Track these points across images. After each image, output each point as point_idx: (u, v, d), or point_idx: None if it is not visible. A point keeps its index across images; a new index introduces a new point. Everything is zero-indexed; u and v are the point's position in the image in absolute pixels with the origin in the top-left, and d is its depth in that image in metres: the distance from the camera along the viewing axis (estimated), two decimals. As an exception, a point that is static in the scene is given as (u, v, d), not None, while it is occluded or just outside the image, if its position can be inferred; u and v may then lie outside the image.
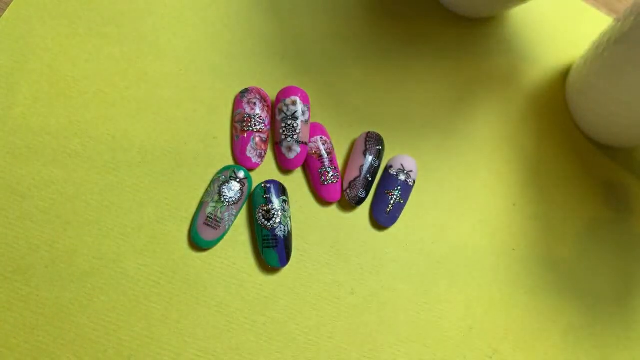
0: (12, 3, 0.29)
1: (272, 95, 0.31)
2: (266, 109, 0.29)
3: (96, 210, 0.26)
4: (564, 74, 0.39)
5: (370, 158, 0.30)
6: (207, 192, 0.27)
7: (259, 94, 0.30)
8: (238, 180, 0.27)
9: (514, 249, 0.32)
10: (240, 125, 0.29)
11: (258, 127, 0.29)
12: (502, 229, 0.32)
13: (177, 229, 0.27)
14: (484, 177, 0.33)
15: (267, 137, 0.29)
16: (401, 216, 0.31)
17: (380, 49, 0.35)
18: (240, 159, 0.29)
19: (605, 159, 0.37)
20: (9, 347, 0.23)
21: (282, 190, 0.28)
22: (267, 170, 0.29)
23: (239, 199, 0.27)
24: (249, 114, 0.29)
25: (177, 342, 0.25)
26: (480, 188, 0.33)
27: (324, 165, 0.29)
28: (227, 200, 0.27)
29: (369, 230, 0.30)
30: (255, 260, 0.28)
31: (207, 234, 0.26)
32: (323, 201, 0.30)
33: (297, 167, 0.29)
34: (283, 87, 0.30)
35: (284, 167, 0.29)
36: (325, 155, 0.29)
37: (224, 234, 0.27)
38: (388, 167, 0.31)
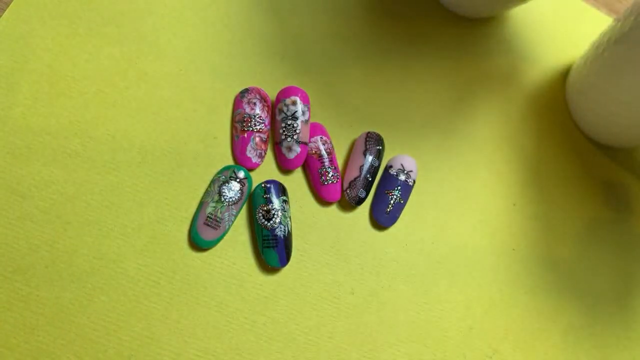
0: (12, 3, 0.29)
1: (272, 95, 0.31)
2: (266, 109, 0.29)
3: (96, 210, 0.26)
4: (564, 74, 0.39)
5: (370, 158, 0.30)
6: (207, 192, 0.27)
7: (259, 94, 0.30)
8: (238, 180, 0.27)
9: (514, 249, 0.32)
10: (240, 125, 0.29)
11: (258, 127, 0.29)
12: (502, 229, 0.32)
13: (177, 229, 0.27)
14: (484, 177, 0.33)
15: (267, 137, 0.29)
16: (401, 216, 0.31)
17: (380, 49, 0.35)
18: (240, 159, 0.29)
19: (605, 159, 0.37)
20: (9, 347, 0.23)
21: (282, 190, 0.28)
22: (267, 170, 0.29)
23: (239, 199, 0.27)
24: (249, 114, 0.29)
25: (177, 342, 0.25)
26: (480, 188, 0.33)
27: (324, 165, 0.29)
28: (227, 200, 0.27)
29: (369, 230, 0.30)
30: (255, 260, 0.28)
31: (207, 234, 0.26)
32: (323, 201, 0.30)
33: (297, 167, 0.29)
34: (283, 87, 0.30)
35: (284, 167, 0.29)
36: (325, 155, 0.29)
37: (224, 234, 0.27)
38: (388, 167, 0.31)
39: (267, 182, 0.28)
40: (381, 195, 0.30)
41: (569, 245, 0.33)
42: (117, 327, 0.25)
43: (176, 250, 0.27)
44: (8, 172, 0.26)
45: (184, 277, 0.26)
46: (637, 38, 0.29)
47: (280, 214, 0.27)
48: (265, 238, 0.27)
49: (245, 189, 0.28)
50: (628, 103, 0.32)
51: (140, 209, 0.27)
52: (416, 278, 0.30)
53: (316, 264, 0.28)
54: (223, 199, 0.27)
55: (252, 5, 0.33)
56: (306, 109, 0.29)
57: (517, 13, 0.39)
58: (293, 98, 0.29)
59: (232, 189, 0.27)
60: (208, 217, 0.27)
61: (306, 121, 0.29)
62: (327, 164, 0.29)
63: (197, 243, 0.27)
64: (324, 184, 0.29)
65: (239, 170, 0.28)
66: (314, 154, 0.29)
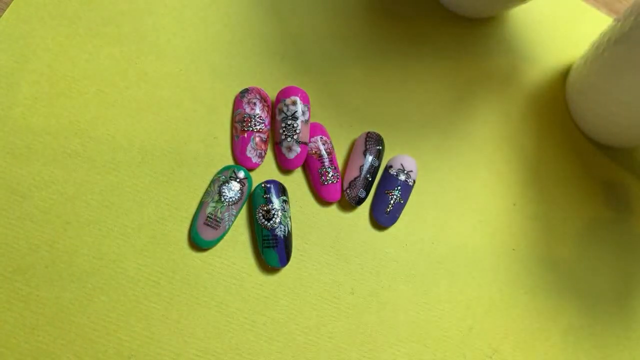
0: (12, 3, 0.29)
1: (272, 95, 0.31)
2: (266, 109, 0.29)
3: (96, 210, 0.26)
4: (564, 74, 0.39)
5: (370, 158, 0.30)
6: (207, 192, 0.27)
7: (259, 94, 0.30)
8: (238, 180, 0.27)
9: (514, 249, 0.32)
10: (240, 125, 0.29)
11: (258, 127, 0.29)
12: (502, 229, 0.32)
13: (177, 229, 0.27)
14: (484, 177, 0.33)
15: (267, 137, 0.29)
16: (401, 216, 0.31)
17: (380, 49, 0.35)
18: (240, 159, 0.29)
19: (605, 159, 0.37)
20: (9, 347, 0.23)
21: (282, 190, 0.28)
22: (267, 170, 0.29)
23: (239, 199, 0.27)
24: (249, 114, 0.29)
25: (177, 342, 0.25)
26: (480, 188, 0.33)
27: (324, 165, 0.29)
28: (227, 200, 0.27)
29: (369, 230, 0.30)
30: (255, 260, 0.28)
31: (207, 234, 0.26)
32: (323, 201, 0.30)
33: (297, 167, 0.29)
34: (283, 87, 0.30)
35: (284, 167, 0.29)
36: (325, 155, 0.29)
37: (224, 234, 0.27)
38: (388, 167, 0.31)
39: (267, 182, 0.28)
40: (381, 195, 0.30)
41: (569, 245, 0.33)
42: (117, 327, 0.25)
43: (176, 250, 0.27)
44: (8, 172, 0.26)
45: (184, 277, 0.26)
46: (637, 38, 0.29)
47: (280, 214, 0.27)
48: (265, 238, 0.27)
49: (245, 189, 0.28)
50: (628, 103, 0.32)
51: (140, 209, 0.27)
52: (416, 278, 0.30)
53: (316, 264, 0.28)
54: (223, 199, 0.27)
55: (252, 5, 0.33)
56: (306, 109, 0.29)
57: (517, 13, 0.39)
58: (293, 98, 0.29)
59: (232, 189, 0.27)
60: (208, 217, 0.27)
61: (306, 121, 0.29)
62: (327, 164, 0.29)
63: (197, 243, 0.27)
64: (324, 184, 0.29)
65: (239, 170, 0.28)
66: (314, 154, 0.29)
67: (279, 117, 0.29)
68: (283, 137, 0.29)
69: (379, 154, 0.30)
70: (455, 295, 0.30)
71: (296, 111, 0.29)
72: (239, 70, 0.31)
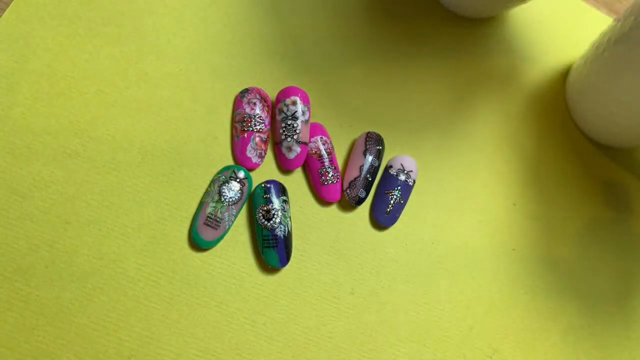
0: (12, 3, 0.29)
1: (272, 95, 0.31)
2: (266, 109, 0.29)
3: (96, 210, 0.26)
4: (564, 74, 0.39)
5: (370, 158, 0.30)
6: (207, 192, 0.27)
7: (259, 94, 0.30)
8: (238, 180, 0.27)
9: (514, 249, 0.32)
10: (240, 125, 0.29)
11: (258, 127, 0.29)
12: (502, 229, 0.32)
13: (177, 229, 0.27)
14: (484, 177, 0.33)
15: (267, 137, 0.29)
16: (401, 216, 0.31)
17: (380, 49, 0.35)
18: (240, 159, 0.29)
19: (605, 159, 0.37)
20: (9, 347, 0.23)
21: (282, 190, 0.28)
22: (267, 170, 0.29)
23: (239, 199, 0.27)
24: (249, 114, 0.29)
25: (177, 342, 0.25)
26: (480, 188, 0.33)
27: (324, 165, 0.29)
28: (227, 200, 0.27)
29: (369, 230, 0.30)
30: (255, 260, 0.28)
31: (207, 234, 0.26)
32: (323, 201, 0.30)
33: (297, 167, 0.29)
34: (283, 87, 0.30)
35: (284, 167, 0.29)
36: (325, 155, 0.29)
37: (224, 234, 0.27)
38: (388, 167, 0.31)
39: (267, 182, 0.28)
40: (381, 195, 0.30)
41: (569, 245, 0.33)
42: (117, 327, 0.25)
43: (176, 250, 0.27)
44: (8, 172, 0.26)
45: (184, 277, 0.26)
46: (637, 38, 0.29)
47: (280, 214, 0.27)
48: (265, 238, 0.27)
49: (245, 189, 0.28)
50: (628, 103, 0.32)
51: (140, 209, 0.27)
52: (416, 278, 0.30)
53: (316, 264, 0.28)
54: (223, 199, 0.27)
55: (252, 5, 0.33)
56: (306, 109, 0.29)
57: (517, 13, 0.39)
58: (293, 98, 0.29)
59: (232, 189, 0.27)
60: (208, 217, 0.27)
61: (306, 121, 0.29)
62: (327, 164, 0.29)
63: (197, 243, 0.27)
64: (324, 184, 0.29)
65: (239, 170, 0.28)
66: (314, 154, 0.29)
67: (279, 117, 0.29)
68: (283, 137, 0.29)
69: (379, 154, 0.30)
70: (455, 295, 0.30)
71: (296, 111, 0.29)
72: (239, 70, 0.31)
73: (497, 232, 0.32)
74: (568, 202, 0.34)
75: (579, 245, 0.34)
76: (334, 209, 0.30)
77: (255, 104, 0.29)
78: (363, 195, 0.29)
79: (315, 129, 0.30)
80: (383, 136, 0.32)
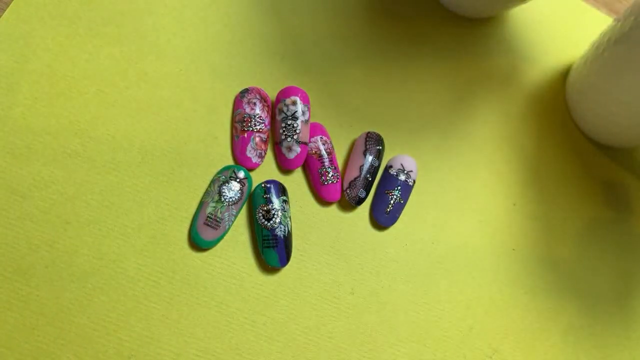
0: (12, 3, 0.29)
1: (272, 95, 0.31)
2: (266, 109, 0.29)
3: (96, 210, 0.26)
4: (564, 74, 0.39)
5: (370, 158, 0.30)
6: (207, 192, 0.27)
7: (259, 94, 0.30)
8: (238, 180, 0.27)
9: (514, 249, 0.32)
10: (240, 125, 0.29)
11: (258, 127, 0.29)
12: (502, 229, 0.32)
13: (177, 229, 0.27)
14: (484, 177, 0.33)
15: (267, 137, 0.29)
16: (401, 216, 0.31)
17: (380, 49, 0.35)
18: (240, 159, 0.29)
19: (605, 159, 0.37)
20: (9, 347, 0.23)
21: (282, 190, 0.28)
22: (267, 170, 0.29)
23: (239, 199, 0.27)
24: (249, 114, 0.29)
25: (177, 342, 0.25)
26: (480, 188, 0.33)
27: (324, 165, 0.29)
28: (227, 200, 0.27)
29: (369, 230, 0.30)
30: (255, 260, 0.28)
31: (207, 234, 0.26)
32: (323, 201, 0.30)
33: (297, 167, 0.29)
34: (283, 87, 0.30)
35: (284, 167, 0.29)
36: (325, 155, 0.29)
37: (224, 234, 0.27)
38: (388, 167, 0.31)
39: (267, 182, 0.28)
40: (381, 195, 0.30)
41: (569, 245, 0.33)
42: (117, 327, 0.25)
43: (176, 250, 0.27)
44: (8, 172, 0.26)
45: (184, 277, 0.26)
46: (637, 38, 0.29)
47: (280, 214, 0.27)
48: (265, 238, 0.27)
49: (245, 189, 0.28)
50: (628, 103, 0.32)
51: (140, 209, 0.27)
52: (416, 278, 0.30)
53: (316, 264, 0.28)
54: (223, 199, 0.27)
55: (252, 5, 0.33)
56: (306, 109, 0.29)
57: (517, 13, 0.39)
58: (293, 98, 0.29)
59: (232, 189, 0.27)
60: (208, 217, 0.27)
61: (306, 121, 0.29)
62: (327, 164, 0.29)
63: (197, 243, 0.27)
64: (324, 184, 0.29)
65: (239, 170, 0.28)
66: (314, 154, 0.29)
67: (279, 117, 0.29)
68: (283, 137, 0.29)
69: (379, 154, 0.30)
70: (455, 295, 0.30)
71: (296, 111, 0.29)
72: (239, 70, 0.31)
73: (497, 232, 0.32)
74: (568, 202, 0.34)
75: (579, 245, 0.34)
76: (334, 209, 0.30)
77: (255, 104, 0.29)
78: (363, 195, 0.29)
79: (315, 129, 0.30)
80: (383, 136, 0.32)
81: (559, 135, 0.36)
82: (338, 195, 0.29)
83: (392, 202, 0.30)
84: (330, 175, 0.29)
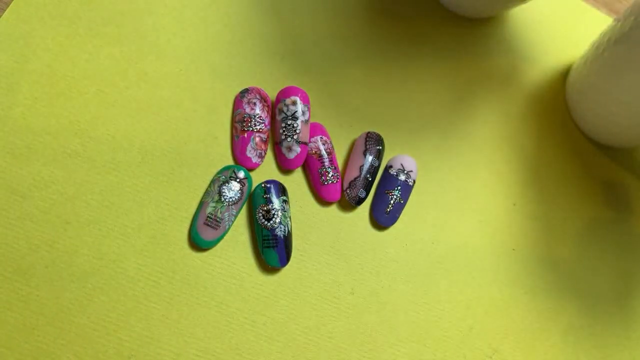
0: (12, 3, 0.29)
1: (272, 95, 0.31)
2: (266, 109, 0.29)
3: (96, 210, 0.26)
4: (564, 74, 0.39)
5: (370, 158, 0.30)
6: (207, 192, 0.27)
7: (259, 94, 0.30)
8: (238, 180, 0.27)
9: (514, 249, 0.32)
10: (240, 125, 0.29)
11: (258, 127, 0.29)
12: (502, 229, 0.32)
13: (177, 229, 0.27)
14: (484, 177, 0.33)
15: (267, 137, 0.29)
16: (401, 216, 0.31)
17: (380, 49, 0.35)
18: (240, 159, 0.29)
19: (605, 159, 0.37)
20: (9, 347, 0.23)
21: (282, 190, 0.28)
22: (267, 170, 0.29)
23: (239, 199, 0.27)
24: (249, 114, 0.29)
25: (177, 342, 0.25)
26: (480, 188, 0.33)
27: (324, 165, 0.29)
28: (227, 200, 0.27)
29: (369, 230, 0.30)
30: (255, 260, 0.28)
31: (207, 234, 0.26)
32: (323, 201, 0.30)
33: (297, 167, 0.29)
34: (283, 87, 0.30)
35: (284, 167, 0.29)
36: (325, 155, 0.29)
37: (224, 234, 0.27)
38: (388, 167, 0.31)
39: (267, 182, 0.28)
40: (381, 195, 0.30)
41: (569, 245, 0.33)
42: (117, 327, 0.25)
43: (176, 250, 0.27)
44: (8, 172, 0.26)
45: (184, 277, 0.26)
46: (637, 38, 0.29)
47: (280, 214, 0.27)
48: (265, 238, 0.27)
49: (245, 189, 0.28)
50: (628, 103, 0.32)
51: (140, 209, 0.27)
52: (416, 278, 0.30)
53: (316, 264, 0.28)
54: (223, 199, 0.27)
55: (252, 5, 0.33)
56: (306, 109, 0.29)
57: (517, 13, 0.39)
58: (293, 98, 0.29)
59: (232, 189, 0.27)
60: (208, 217, 0.27)
61: (306, 121, 0.29)
62: (327, 164, 0.29)
63: (197, 243, 0.27)
64: (324, 184, 0.29)
65: (239, 170, 0.28)
66: (314, 154, 0.29)
67: (279, 117, 0.29)
68: (283, 137, 0.29)
69: (379, 154, 0.30)
70: (455, 295, 0.30)
71: (296, 111, 0.29)
72: (239, 70, 0.31)
73: (497, 232, 0.32)
74: (568, 202, 0.34)
75: (579, 245, 0.34)
76: (334, 209, 0.30)
77: (255, 104, 0.29)
78: (363, 195, 0.29)
79: (315, 129, 0.30)
80: (383, 136, 0.32)
81: (559, 135, 0.36)
82: (338, 195, 0.29)
83: (392, 202, 0.30)
84: (330, 175, 0.29)
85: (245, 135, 0.29)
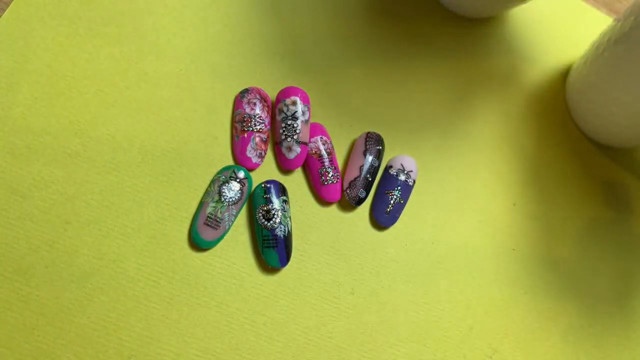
0: (12, 3, 0.29)
1: (272, 95, 0.31)
2: (266, 109, 0.29)
3: (96, 210, 0.26)
4: (564, 74, 0.39)
5: (370, 158, 0.30)
6: (207, 192, 0.27)
7: (259, 94, 0.30)
8: (238, 180, 0.27)
9: (514, 249, 0.32)
10: (240, 125, 0.29)
11: (258, 127, 0.29)
12: (502, 229, 0.32)
13: (177, 229, 0.27)
14: (484, 177, 0.33)
15: (267, 137, 0.29)
16: (401, 216, 0.31)
17: (380, 49, 0.35)
18: (240, 159, 0.29)
19: (605, 159, 0.37)
20: (9, 347, 0.23)
21: (282, 190, 0.28)
22: (267, 170, 0.29)
23: (239, 199, 0.27)
24: (249, 114, 0.29)
25: (177, 342, 0.25)
26: (480, 188, 0.33)
27: (324, 165, 0.29)
28: (227, 200, 0.27)
29: (369, 230, 0.30)
30: (255, 260, 0.28)
31: (207, 234, 0.26)
32: (323, 201, 0.30)
33: (297, 167, 0.29)
34: (283, 87, 0.30)
35: (284, 167, 0.29)
36: (325, 155, 0.29)
37: (224, 234, 0.27)
38: (388, 167, 0.31)
39: (267, 182, 0.28)
40: (381, 195, 0.30)
41: (569, 245, 0.33)
42: (117, 327, 0.25)
43: (176, 250, 0.27)
44: (8, 172, 0.26)
45: (184, 277, 0.26)
46: (637, 38, 0.29)
47: (280, 214, 0.27)
48: (265, 238, 0.27)
49: (245, 189, 0.28)
50: (628, 103, 0.32)
51: (140, 209, 0.27)
52: (416, 278, 0.30)
53: (316, 264, 0.28)
54: (223, 199, 0.27)
55: (252, 5, 0.33)
56: (306, 109, 0.29)
57: (517, 13, 0.39)
58: (293, 98, 0.29)
59: (232, 189, 0.27)
60: (208, 217, 0.27)
61: (306, 121, 0.29)
62: (327, 164, 0.29)
63: (197, 243, 0.27)
64: (324, 184, 0.29)
65: (239, 170, 0.28)
66: (314, 154, 0.29)
67: (279, 117, 0.29)
68: (283, 137, 0.29)
69: (379, 154, 0.30)
70: (455, 295, 0.30)
71: (296, 111, 0.29)
72: (239, 70, 0.31)
73: (497, 232, 0.32)
74: (568, 202, 0.34)
75: (579, 245, 0.34)
76: (334, 209, 0.30)
77: (255, 104, 0.29)
78: (363, 195, 0.29)
79: (315, 129, 0.30)
80: (383, 136, 0.32)
81: (559, 135, 0.36)
82: (338, 195, 0.29)
83: (392, 202, 0.30)
84: (330, 175, 0.29)
85: (245, 135, 0.29)
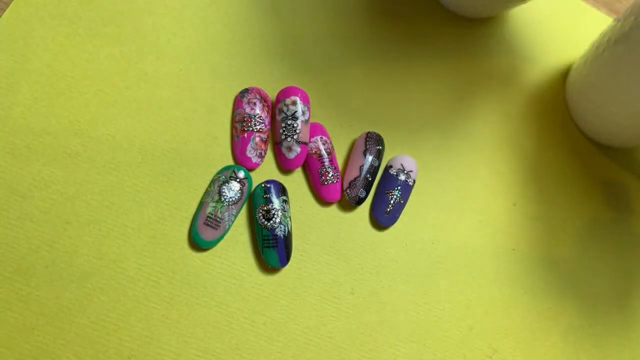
0: (12, 3, 0.29)
1: (272, 95, 0.31)
2: (266, 109, 0.29)
3: (96, 210, 0.26)
4: (564, 74, 0.39)
5: (370, 158, 0.30)
6: (207, 192, 0.27)
7: (259, 94, 0.30)
8: (238, 180, 0.27)
9: (514, 249, 0.32)
10: (240, 125, 0.29)
11: (258, 127, 0.29)
12: (502, 229, 0.32)
13: (177, 229, 0.27)
14: (484, 177, 0.33)
15: (267, 137, 0.29)
16: (401, 216, 0.31)
17: (380, 49, 0.35)
18: (240, 159, 0.29)
19: (605, 159, 0.37)
20: (9, 347, 0.23)
21: (282, 190, 0.28)
22: (267, 170, 0.29)
23: (239, 199, 0.27)
24: (249, 114, 0.29)
25: (177, 342, 0.25)
26: (480, 188, 0.33)
27: (324, 165, 0.29)
28: (227, 200, 0.27)
29: (369, 230, 0.30)
30: (255, 260, 0.28)
31: (207, 234, 0.26)
32: (323, 201, 0.30)
33: (297, 167, 0.29)
34: (283, 87, 0.30)
35: (284, 167, 0.29)
36: (325, 155, 0.29)
37: (224, 234, 0.27)
38: (388, 167, 0.31)
39: (267, 182, 0.28)
40: (381, 195, 0.30)
41: (569, 245, 0.33)
42: (117, 327, 0.25)
43: (176, 250, 0.27)
44: (8, 172, 0.26)
45: (184, 277, 0.26)
46: (637, 38, 0.29)
47: (280, 214, 0.27)
48: (265, 238, 0.27)
49: (245, 189, 0.28)
50: (628, 103, 0.32)
51: (140, 209, 0.27)
52: (416, 278, 0.30)
53: (316, 264, 0.28)
54: (223, 199, 0.27)
55: (252, 5, 0.33)
56: (306, 109, 0.29)
57: (517, 13, 0.39)
58: (293, 98, 0.29)
59: (232, 189, 0.27)
60: (208, 217, 0.27)
61: (306, 121, 0.29)
62: (327, 164, 0.29)
63: (197, 243, 0.27)
64: (324, 184, 0.29)
65: (239, 170, 0.28)
66: (314, 154, 0.29)
67: (279, 117, 0.29)
68: (283, 137, 0.29)
69: (379, 154, 0.30)
70: (455, 295, 0.30)
71: (296, 111, 0.29)
72: (239, 70, 0.31)
73: (497, 232, 0.32)
74: (568, 202, 0.34)
75: (579, 245, 0.34)
76: (334, 209, 0.30)
77: (255, 104, 0.29)
78: (363, 195, 0.29)
79: (315, 129, 0.30)
80: (383, 136, 0.32)
81: (559, 135, 0.36)
82: (338, 195, 0.29)
83: (392, 202, 0.30)
84: (330, 175, 0.29)
85: (245, 135, 0.29)
